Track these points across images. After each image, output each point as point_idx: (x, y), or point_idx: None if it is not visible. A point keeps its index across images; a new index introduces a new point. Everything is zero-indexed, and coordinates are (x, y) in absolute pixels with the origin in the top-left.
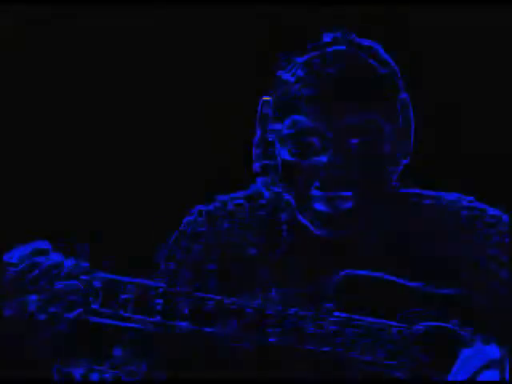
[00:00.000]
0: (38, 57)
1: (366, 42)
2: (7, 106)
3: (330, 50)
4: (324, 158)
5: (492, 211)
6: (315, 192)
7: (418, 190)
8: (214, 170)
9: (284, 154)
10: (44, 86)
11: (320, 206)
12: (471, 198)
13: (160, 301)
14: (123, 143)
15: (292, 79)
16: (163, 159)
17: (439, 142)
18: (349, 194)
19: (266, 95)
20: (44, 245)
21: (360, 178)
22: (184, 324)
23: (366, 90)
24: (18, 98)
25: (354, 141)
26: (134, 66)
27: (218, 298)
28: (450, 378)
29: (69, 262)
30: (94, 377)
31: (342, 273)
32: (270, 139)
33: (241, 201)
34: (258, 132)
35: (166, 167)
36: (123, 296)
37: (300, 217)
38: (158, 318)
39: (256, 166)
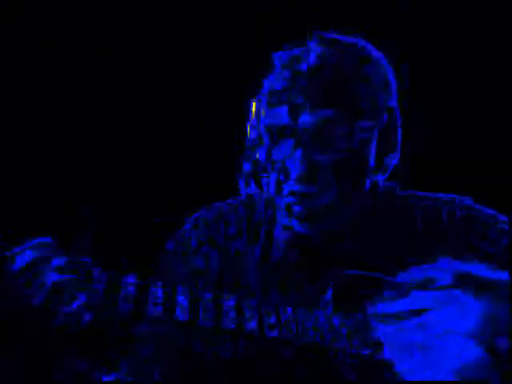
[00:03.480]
0: None
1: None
2: None
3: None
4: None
5: (489, 211)
6: (287, 188)
7: (412, 191)
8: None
9: (261, 151)
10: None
11: (292, 203)
12: (468, 198)
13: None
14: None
15: (277, 85)
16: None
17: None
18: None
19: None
20: (47, 244)
21: (338, 177)
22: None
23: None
24: None
25: (340, 144)
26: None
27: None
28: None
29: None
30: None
31: (338, 272)
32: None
33: (238, 207)
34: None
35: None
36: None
37: (280, 215)
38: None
39: (246, 167)
